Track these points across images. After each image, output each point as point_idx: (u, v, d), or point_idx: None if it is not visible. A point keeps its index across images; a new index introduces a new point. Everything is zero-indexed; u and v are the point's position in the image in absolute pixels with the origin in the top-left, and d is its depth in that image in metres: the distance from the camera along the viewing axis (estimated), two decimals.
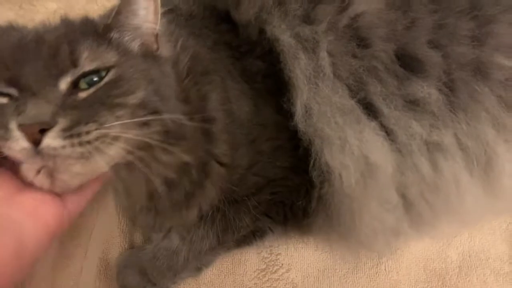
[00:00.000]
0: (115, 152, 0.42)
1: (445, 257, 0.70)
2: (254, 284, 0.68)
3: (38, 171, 0.41)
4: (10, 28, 0.49)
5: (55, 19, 0.50)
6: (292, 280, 0.68)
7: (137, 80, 0.45)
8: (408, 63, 0.57)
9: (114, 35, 0.47)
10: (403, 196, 0.59)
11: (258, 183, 0.61)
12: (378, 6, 0.58)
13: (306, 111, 0.57)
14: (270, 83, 0.56)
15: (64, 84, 0.42)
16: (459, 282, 0.68)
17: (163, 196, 0.54)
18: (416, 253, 0.70)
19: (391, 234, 0.62)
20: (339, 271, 0.69)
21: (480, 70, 0.57)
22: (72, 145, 0.39)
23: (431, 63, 0.57)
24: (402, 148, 0.57)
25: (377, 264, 0.69)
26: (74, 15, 0.53)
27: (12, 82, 0.41)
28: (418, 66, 0.57)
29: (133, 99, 0.43)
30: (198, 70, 0.55)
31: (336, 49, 0.57)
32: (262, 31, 0.60)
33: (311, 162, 0.58)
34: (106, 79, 0.43)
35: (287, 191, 0.63)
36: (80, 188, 0.44)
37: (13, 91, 0.41)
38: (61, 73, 0.42)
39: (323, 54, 0.57)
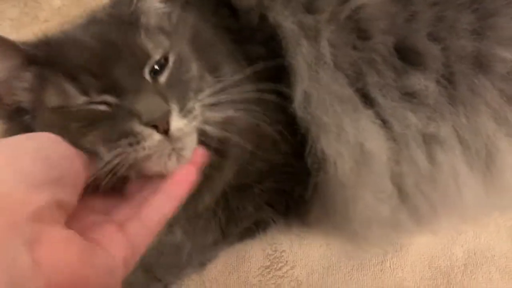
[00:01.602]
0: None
1: (450, 254, 0.69)
2: (259, 281, 0.68)
3: (169, 156, 0.41)
4: (55, 39, 0.47)
5: (60, 17, 0.49)
6: (296, 277, 0.68)
7: (187, 54, 0.49)
8: (407, 56, 0.57)
9: (143, 20, 0.49)
10: (399, 187, 0.59)
11: (262, 170, 0.61)
12: None
13: (305, 98, 0.57)
14: (270, 69, 0.57)
15: (147, 75, 0.44)
16: (464, 279, 0.67)
17: None
18: (421, 251, 0.69)
19: (388, 226, 0.62)
20: (343, 268, 0.69)
21: (481, 63, 0.57)
22: (190, 121, 0.42)
23: (431, 56, 0.57)
24: (398, 138, 0.57)
25: (382, 262, 0.69)
26: (79, 11, 0.53)
27: (106, 88, 0.42)
28: (417, 59, 0.57)
29: (194, 72, 0.48)
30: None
31: (337, 39, 0.58)
32: (263, 17, 0.61)
33: (307, 149, 0.58)
34: (171, 60, 0.46)
35: (288, 178, 0.63)
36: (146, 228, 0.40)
37: (108, 97, 0.42)
38: (142, 66, 0.44)
39: (324, 43, 0.57)
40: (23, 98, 0.45)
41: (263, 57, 0.59)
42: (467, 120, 0.57)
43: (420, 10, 0.58)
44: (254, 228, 0.66)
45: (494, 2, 0.58)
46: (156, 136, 0.40)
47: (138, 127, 0.40)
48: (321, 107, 0.57)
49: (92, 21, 0.50)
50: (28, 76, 0.44)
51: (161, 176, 0.43)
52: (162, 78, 0.45)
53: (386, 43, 0.57)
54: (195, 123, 0.43)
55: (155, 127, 0.40)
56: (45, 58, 0.44)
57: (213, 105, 0.46)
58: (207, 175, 0.56)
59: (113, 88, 0.42)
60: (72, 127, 0.41)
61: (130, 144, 0.40)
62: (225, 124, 0.48)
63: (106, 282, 0.33)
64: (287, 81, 0.58)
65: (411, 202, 0.60)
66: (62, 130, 0.40)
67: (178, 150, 0.42)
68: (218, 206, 0.62)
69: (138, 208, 0.40)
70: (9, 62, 0.43)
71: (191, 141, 0.43)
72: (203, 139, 0.47)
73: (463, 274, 0.68)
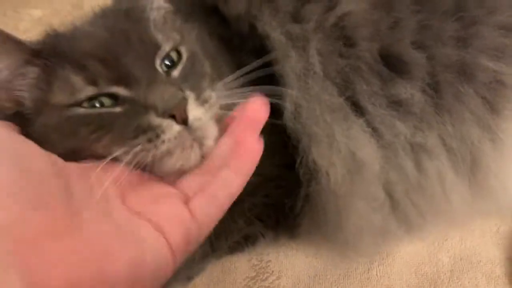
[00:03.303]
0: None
1: (437, 261, 0.69)
2: None
3: (191, 148, 0.40)
4: (63, 32, 0.46)
5: (40, 27, 0.48)
6: (283, 287, 0.67)
7: (198, 50, 0.49)
8: (392, 64, 0.57)
9: (151, 15, 0.48)
10: (390, 195, 0.59)
11: (255, 182, 0.60)
12: (364, 6, 0.59)
13: (296, 109, 0.57)
14: (262, 78, 0.57)
15: (158, 66, 0.43)
16: (450, 286, 0.67)
17: None
18: (407, 258, 0.69)
19: (378, 234, 0.62)
20: (330, 277, 0.68)
21: (465, 72, 0.57)
22: (207, 110, 0.41)
23: (415, 64, 0.57)
24: (388, 146, 0.57)
25: (369, 270, 0.68)
26: (60, 22, 0.52)
27: (118, 78, 0.40)
28: (402, 67, 0.57)
29: (207, 67, 0.48)
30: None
31: (324, 48, 0.58)
32: (252, 26, 0.60)
33: (298, 160, 0.58)
34: (185, 56, 0.46)
35: (280, 192, 0.62)
36: (212, 198, 0.39)
37: (120, 89, 0.40)
38: (153, 57, 0.43)
39: (313, 52, 0.57)
40: (27, 97, 0.42)
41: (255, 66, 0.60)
42: (452, 128, 0.57)
43: (403, 17, 0.58)
44: (243, 242, 0.65)
45: (476, 10, 0.58)
46: (176, 127, 0.38)
47: (156, 120, 0.38)
48: (312, 117, 0.56)
49: (101, 15, 0.50)
50: (33, 71, 0.42)
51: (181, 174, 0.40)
52: (176, 72, 0.44)
53: (371, 50, 0.57)
54: (213, 112, 0.42)
55: (172, 117, 0.38)
56: (52, 50, 0.42)
57: (228, 96, 0.45)
58: None
59: (124, 79, 0.40)
60: (82, 132, 0.39)
61: (150, 140, 0.38)
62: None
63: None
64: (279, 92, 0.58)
65: (401, 209, 0.60)
66: (70, 138, 0.39)
67: (200, 139, 0.40)
68: None
69: (205, 184, 0.39)
70: (11, 60, 0.41)
71: (212, 130, 0.42)
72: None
73: (449, 280, 0.68)
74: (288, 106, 0.56)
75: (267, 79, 0.57)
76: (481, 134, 0.58)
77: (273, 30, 0.58)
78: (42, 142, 0.37)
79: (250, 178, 0.59)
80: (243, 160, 0.41)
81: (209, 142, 0.41)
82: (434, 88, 0.57)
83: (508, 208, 0.69)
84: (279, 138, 0.58)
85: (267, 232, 0.65)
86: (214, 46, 0.57)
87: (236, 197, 0.41)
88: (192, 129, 0.40)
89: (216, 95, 0.43)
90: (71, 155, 0.38)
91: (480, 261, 0.69)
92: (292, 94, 0.56)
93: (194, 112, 0.40)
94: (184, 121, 0.39)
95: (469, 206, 0.62)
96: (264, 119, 0.43)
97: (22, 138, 0.35)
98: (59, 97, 0.41)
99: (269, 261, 0.69)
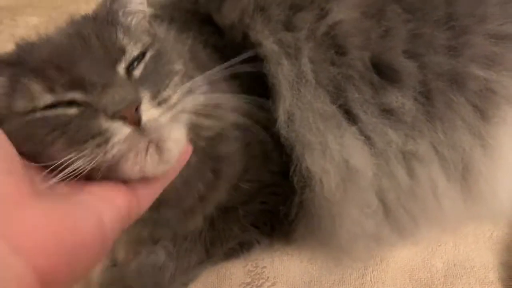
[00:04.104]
0: (187, 116, 0.44)
1: (430, 266, 0.70)
2: None
3: (146, 151, 0.39)
4: (31, 42, 0.47)
5: (35, 34, 0.49)
6: None
7: (171, 51, 0.48)
8: (384, 72, 0.58)
9: (121, 19, 0.48)
10: (382, 201, 0.60)
11: (251, 190, 0.61)
12: (354, 15, 0.59)
13: (289, 117, 0.58)
14: (256, 87, 0.57)
15: (121, 70, 0.42)
16: None
17: (175, 201, 0.54)
18: (401, 263, 0.70)
19: (372, 240, 0.63)
20: (324, 283, 0.68)
21: (456, 80, 0.58)
22: (164, 111, 0.39)
23: (407, 73, 0.57)
24: (380, 154, 0.58)
25: (363, 275, 0.69)
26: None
27: (73, 84, 0.39)
28: (394, 76, 0.58)
29: (178, 66, 0.46)
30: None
31: (316, 56, 0.58)
32: (245, 35, 0.61)
33: (292, 168, 0.58)
34: (148, 55, 0.45)
35: (276, 199, 0.63)
36: (151, 180, 0.42)
37: (76, 94, 0.39)
38: (115, 62, 0.42)
39: (305, 60, 0.58)
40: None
41: (248, 74, 0.61)
42: (444, 135, 0.58)
43: (394, 26, 0.59)
44: (239, 249, 0.66)
45: (467, 19, 0.59)
46: (125, 129, 0.37)
47: (105, 123, 0.37)
48: (305, 125, 0.57)
49: (69, 22, 0.49)
50: (1, 81, 0.42)
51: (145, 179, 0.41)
52: (137, 72, 0.43)
53: (362, 58, 0.58)
54: (173, 112, 0.40)
55: (123, 119, 0.37)
56: (18, 60, 0.43)
57: (192, 91, 0.44)
58: (203, 196, 0.56)
59: (80, 84, 0.39)
60: (38, 135, 0.39)
61: (98, 145, 0.36)
62: (213, 110, 0.47)
63: (97, 238, 0.34)
64: (271, 100, 0.58)
65: (393, 216, 0.61)
66: (28, 141, 0.38)
67: (157, 141, 0.39)
68: (204, 227, 0.62)
69: None
70: None
71: (171, 131, 0.40)
72: (195, 137, 0.46)
73: (443, 285, 0.68)
74: (281, 115, 0.57)
75: (258, 87, 0.57)
76: (472, 141, 0.59)
77: (266, 38, 0.59)
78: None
79: (245, 185, 0.60)
80: None
81: (169, 144, 0.40)
82: (425, 96, 0.58)
83: (499, 213, 0.70)
84: (274, 146, 0.59)
85: (262, 239, 0.65)
86: (207, 55, 0.57)
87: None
88: (146, 130, 0.38)
89: (180, 94, 0.42)
90: (36, 161, 0.38)
91: (473, 266, 0.70)
92: (285, 102, 0.57)
93: (148, 112, 0.38)
94: (136, 123, 0.37)
95: (461, 211, 0.63)
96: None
97: None
98: (20, 105, 0.41)
99: (264, 267, 0.69)
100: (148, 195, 0.42)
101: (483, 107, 0.58)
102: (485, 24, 0.59)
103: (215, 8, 0.63)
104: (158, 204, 0.53)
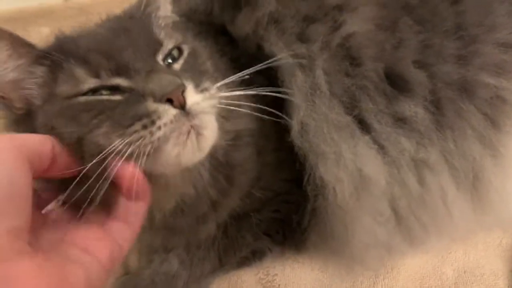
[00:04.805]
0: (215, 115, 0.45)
1: (441, 274, 0.70)
2: None
3: (187, 135, 0.40)
4: (71, 35, 0.49)
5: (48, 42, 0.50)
6: None
7: (202, 50, 0.52)
8: (396, 82, 0.59)
9: (155, 20, 0.52)
10: (394, 210, 0.60)
11: (263, 198, 0.62)
12: (368, 27, 0.60)
13: (303, 127, 0.58)
14: (269, 97, 0.58)
15: (160, 60, 0.45)
16: None
17: (188, 208, 0.55)
18: (412, 271, 0.70)
19: (384, 249, 0.63)
20: None
21: (466, 89, 0.58)
22: (206, 98, 0.42)
23: (417, 83, 0.58)
24: (393, 162, 0.58)
25: (374, 283, 0.69)
26: None
27: (118, 70, 0.42)
28: (405, 86, 0.58)
29: (209, 66, 0.49)
30: None
31: (330, 67, 0.59)
32: (260, 47, 0.62)
33: (306, 177, 0.59)
34: (186, 52, 0.48)
35: (288, 207, 0.63)
36: (129, 222, 0.42)
37: (120, 80, 0.42)
38: (155, 52, 0.45)
39: (319, 72, 0.58)
40: (35, 95, 0.44)
41: (262, 85, 0.61)
42: (454, 144, 0.59)
43: (406, 38, 0.59)
44: (251, 257, 0.66)
45: (476, 28, 0.60)
46: (172, 111, 0.39)
47: (152, 105, 0.39)
48: (319, 136, 0.58)
49: (107, 19, 0.53)
50: (41, 70, 0.44)
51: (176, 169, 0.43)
52: (177, 65, 0.46)
53: (377, 69, 0.59)
54: (212, 102, 0.43)
55: (170, 102, 0.39)
56: (59, 49, 0.44)
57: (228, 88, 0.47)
58: (215, 202, 0.57)
59: (125, 70, 0.42)
60: (83, 119, 0.40)
61: (145, 126, 0.38)
62: (232, 113, 0.49)
63: None
64: (285, 110, 0.59)
65: (405, 224, 0.61)
66: (71, 124, 0.40)
67: (197, 128, 0.41)
68: (217, 235, 0.62)
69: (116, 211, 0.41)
70: (21, 60, 0.43)
71: (211, 121, 0.43)
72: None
73: None
74: (295, 125, 0.58)
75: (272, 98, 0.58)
76: (482, 150, 0.59)
77: (280, 50, 0.60)
78: (48, 130, 0.40)
79: (258, 193, 0.61)
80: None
81: (208, 132, 0.42)
82: (435, 106, 0.58)
83: (509, 222, 0.70)
84: (288, 154, 0.59)
85: (274, 247, 0.66)
86: (224, 63, 0.58)
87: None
88: (190, 114, 0.40)
89: (216, 88, 0.44)
90: (77, 146, 0.40)
91: (483, 273, 0.70)
92: (299, 113, 0.58)
93: (192, 97, 0.40)
94: (182, 106, 0.39)
95: (471, 220, 0.63)
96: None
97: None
98: (63, 88, 0.42)
99: (276, 274, 0.70)
100: (128, 237, 0.42)
101: (493, 116, 0.59)
102: (494, 33, 0.59)
103: (229, 19, 0.64)
104: (171, 212, 0.54)
